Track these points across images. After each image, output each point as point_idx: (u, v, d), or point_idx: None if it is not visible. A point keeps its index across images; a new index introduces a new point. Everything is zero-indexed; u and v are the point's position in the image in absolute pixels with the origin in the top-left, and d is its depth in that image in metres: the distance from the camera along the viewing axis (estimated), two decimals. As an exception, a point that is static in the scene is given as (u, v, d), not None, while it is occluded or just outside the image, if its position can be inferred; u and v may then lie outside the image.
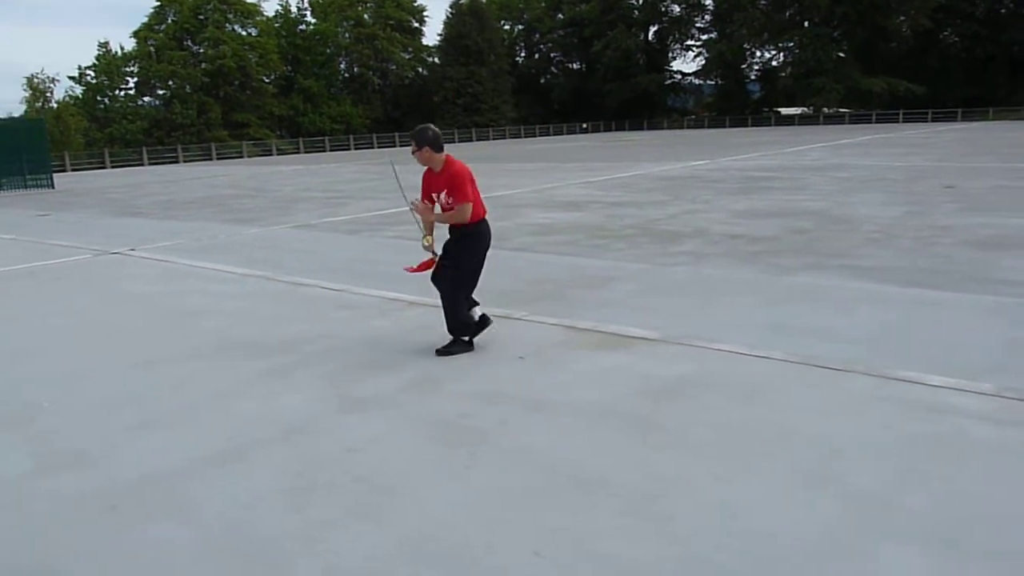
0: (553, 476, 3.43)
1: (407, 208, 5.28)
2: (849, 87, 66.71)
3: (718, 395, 4.33)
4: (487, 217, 5.31)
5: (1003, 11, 66.63)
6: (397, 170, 5.62)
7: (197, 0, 61.76)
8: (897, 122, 61.15)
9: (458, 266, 5.19)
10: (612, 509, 3.12)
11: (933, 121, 60.04)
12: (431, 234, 5.26)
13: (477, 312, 5.34)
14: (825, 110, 68.85)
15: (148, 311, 7.05)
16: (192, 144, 53.55)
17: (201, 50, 62.06)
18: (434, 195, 5.17)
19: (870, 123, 61.34)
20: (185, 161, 48.03)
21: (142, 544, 3.01)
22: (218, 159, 49.71)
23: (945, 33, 69.87)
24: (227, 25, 62.97)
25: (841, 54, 69.70)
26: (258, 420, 4.23)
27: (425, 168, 5.20)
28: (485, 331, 5.37)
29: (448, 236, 5.27)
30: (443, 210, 5.15)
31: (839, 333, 5.43)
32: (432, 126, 5.12)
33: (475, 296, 5.38)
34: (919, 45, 68.61)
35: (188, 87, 60.25)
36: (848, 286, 6.84)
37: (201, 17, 61.97)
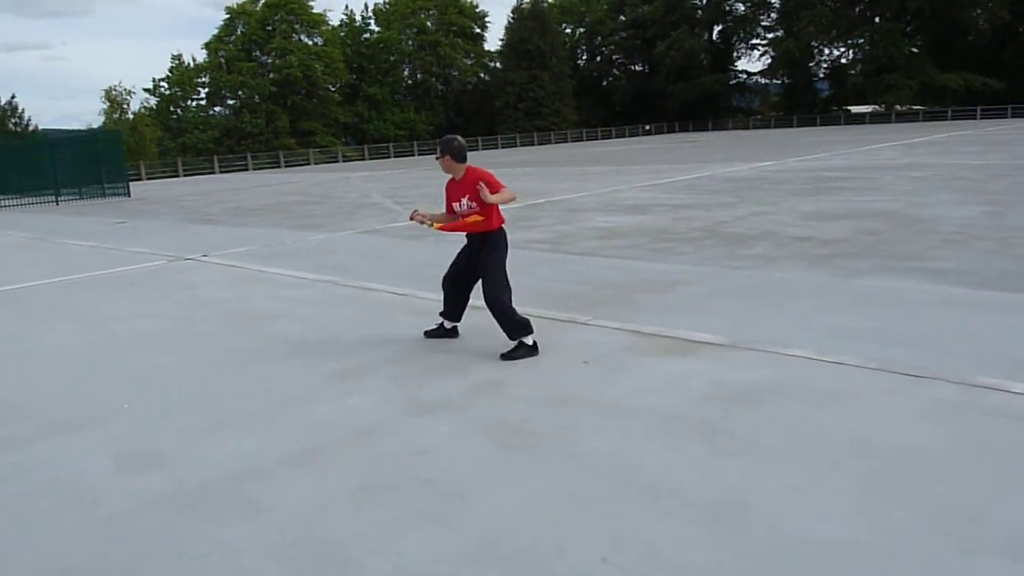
0: (621, 482, 3.40)
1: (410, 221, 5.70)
2: (923, 83, 64.66)
3: (789, 402, 4.23)
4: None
5: (1088, 1, 63.76)
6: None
7: (265, 12, 63.35)
8: (974, 119, 59.00)
9: (488, 271, 5.35)
10: (682, 517, 3.07)
11: (1013, 117, 57.75)
12: (437, 223, 5.64)
13: (449, 325, 5.85)
14: (897, 108, 66.84)
15: (221, 315, 7.23)
16: (261, 152, 54.85)
17: (269, 60, 63.61)
18: (455, 203, 5.43)
19: (945, 120, 59.37)
20: (254, 169, 49.19)
21: (216, 544, 3.08)
22: (286, 166, 50.77)
23: (1025, 25, 67.21)
24: (294, 35, 64.42)
25: (914, 49, 67.59)
26: (328, 422, 4.30)
27: (448, 178, 5.54)
28: (441, 340, 5.80)
29: (468, 244, 5.58)
30: (464, 216, 5.40)
31: (914, 338, 5.25)
32: (459, 138, 5.48)
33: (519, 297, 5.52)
34: (997, 39, 66.07)
35: (257, 97, 61.81)
36: (923, 289, 6.63)
37: (269, 28, 63.55)
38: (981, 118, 59.14)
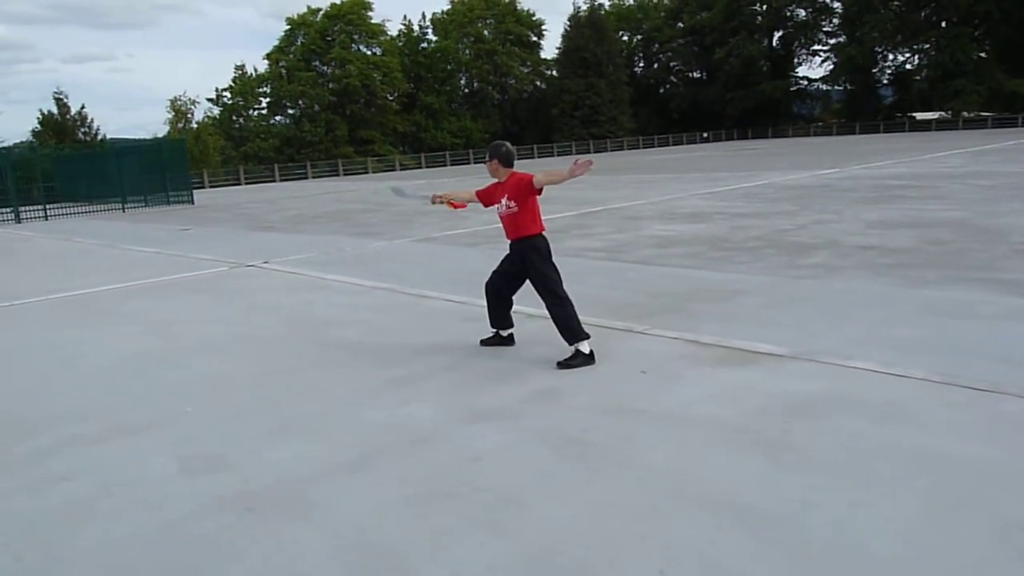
0: (678, 494, 3.36)
1: (430, 205, 6.13)
2: (992, 89, 62.72)
3: (852, 415, 4.13)
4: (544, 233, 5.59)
5: None
6: (402, 190, 6.93)
7: (325, 22, 64.51)
8: (1046, 125, 57.04)
9: (539, 283, 5.43)
10: (740, 530, 3.02)
11: (1088, 123, 55.66)
12: (451, 202, 5.92)
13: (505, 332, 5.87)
14: (965, 114, 64.90)
15: (281, 321, 7.37)
16: (320, 160, 55.82)
17: (328, 70, 64.72)
18: (496, 204, 5.57)
19: (1016, 127, 57.44)
20: (314, 177, 50.09)
21: (275, 546, 3.13)
22: (344, 175, 51.58)
23: (1101, 28, 64.77)
24: (353, 45, 65.41)
25: (982, 54, 65.67)
26: (385, 428, 4.34)
27: (493, 180, 5.70)
28: (497, 348, 5.84)
29: (510, 251, 5.65)
30: (502, 216, 5.56)
31: (983, 351, 5.09)
32: (507, 144, 5.67)
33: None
34: (1071, 42, 63.79)
35: (316, 106, 62.92)
36: (993, 300, 6.42)
37: (328, 39, 64.66)
38: (1054, 124, 57.12)
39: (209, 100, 64.34)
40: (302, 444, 4.21)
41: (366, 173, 52.96)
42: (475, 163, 56.82)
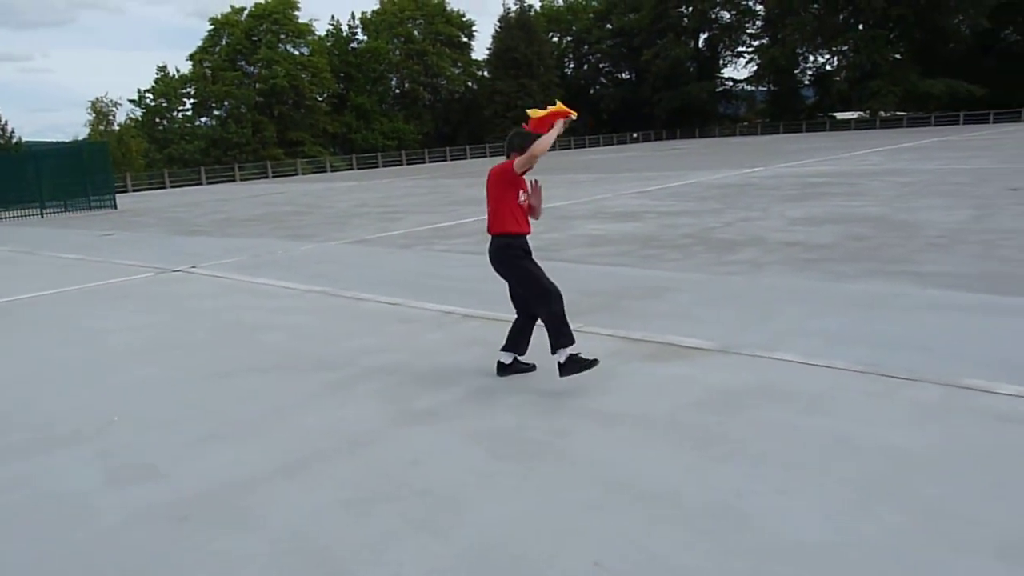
0: (613, 487, 3.41)
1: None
2: (907, 90, 65.24)
3: (779, 406, 4.26)
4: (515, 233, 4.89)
5: (1068, 7, 64.55)
6: None
7: (250, 22, 63.34)
8: (957, 124, 59.56)
9: (519, 284, 4.91)
10: (675, 521, 3.10)
11: (996, 122, 58.31)
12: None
13: (506, 357, 5.11)
14: (882, 114, 67.38)
15: (211, 327, 7.22)
16: (248, 162, 54.78)
17: (255, 70, 63.59)
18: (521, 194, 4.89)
19: (929, 126, 59.84)
20: (242, 179, 49.11)
21: (211, 555, 3.08)
22: (274, 177, 50.71)
23: (1006, 32, 67.92)
24: (280, 45, 64.38)
25: (898, 56, 68.24)
26: (321, 433, 4.30)
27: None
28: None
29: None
30: (524, 210, 4.92)
31: (901, 341, 5.30)
32: (517, 129, 4.90)
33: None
34: (979, 45, 66.73)
35: (243, 107, 61.77)
36: (910, 293, 6.69)
37: (254, 38, 63.54)
38: (964, 123, 59.71)
39: (131, 101, 62.68)
40: (236, 450, 4.14)
41: (296, 175, 52.16)
42: (408, 164, 56.54)
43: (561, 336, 4.66)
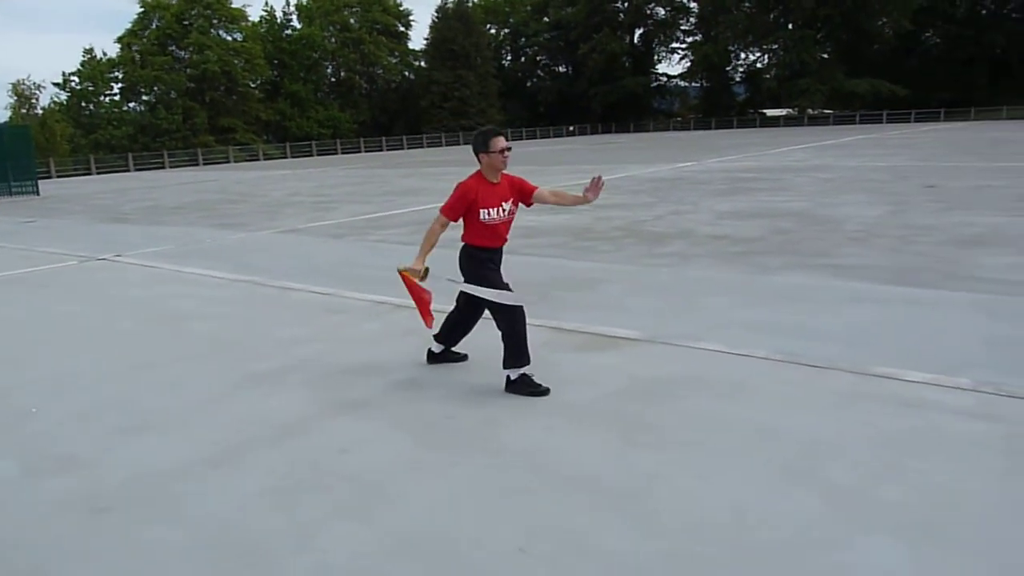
0: (540, 475, 3.49)
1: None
2: (833, 88, 67.27)
3: (701, 394, 4.40)
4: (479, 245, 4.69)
5: (984, 12, 67.42)
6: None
7: (181, 6, 61.61)
8: (881, 123, 61.62)
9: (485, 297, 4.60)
10: (597, 506, 3.18)
11: (916, 121, 60.52)
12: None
13: (437, 347, 5.09)
14: (809, 111, 69.34)
15: (136, 316, 7.06)
16: (178, 149, 53.37)
17: (186, 55, 61.89)
18: (491, 209, 4.60)
19: (854, 124, 61.76)
20: (171, 167, 47.86)
21: (134, 546, 3.04)
22: (204, 164, 49.55)
23: (927, 35, 70.59)
24: (212, 30, 62.80)
25: (825, 56, 70.24)
26: (248, 422, 4.27)
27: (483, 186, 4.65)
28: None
29: (498, 259, 4.84)
30: (502, 224, 4.67)
31: (820, 331, 5.51)
32: (484, 128, 4.71)
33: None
34: (901, 47, 69.14)
35: (173, 92, 60.07)
36: (830, 285, 6.94)
37: (186, 23, 61.82)
38: (887, 122, 61.82)
39: (56, 85, 60.21)
40: (160, 440, 4.08)
41: (228, 162, 51.05)
42: (343, 153, 55.86)
43: (519, 356, 4.49)
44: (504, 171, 4.68)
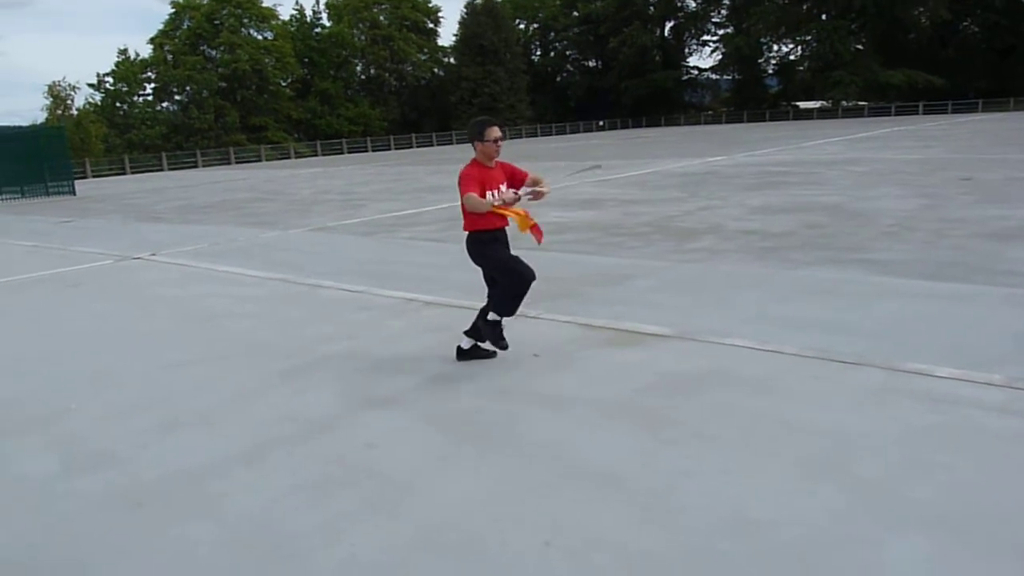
0: (566, 470, 3.51)
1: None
2: (868, 80, 66.21)
3: (730, 390, 4.39)
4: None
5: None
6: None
7: (212, 6, 62.31)
8: (917, 114, 60.61)
9: (492, 270, 4.98)
10: (623, 502, 3.19)
11: (953, 113, 59.42)
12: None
13: (466, 343, 5.22)
14: (844, 103, 68.35)
15: (170, 314, 7.19)
16: (210, 148, 54.06)
17: (217, 55, 62.59)
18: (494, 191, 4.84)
19: (889, 116, 60.83)
20: (204, 166, 48.49)
21: (168, 541, 3.11)
22: (236, 163, 50.12)
23: (965, 24, 69.16)
24: (242, 30, 63.44)
25: (859, 47, 69.17)
26: (280, 419, 4.34)
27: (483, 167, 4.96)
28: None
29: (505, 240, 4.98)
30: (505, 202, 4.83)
31: (852, 326, 5.46)
32: (480, 118, 5.03)
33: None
34: (938, 36, 67.93)
35: (205, 92, 60.79)
36: (862, 280, 6.87)
37: (216, 22, 62.51)
38: (923, 113, 60.79)
39: (90, 86, 61.25)
40: (194, 438, 4.17)
41: (259, 161, 51.61)
42: (374, 151, 56.17)
43: (505, 307, 4.85)
44: (497, 158, 4.97)
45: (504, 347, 4.97)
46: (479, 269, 5.06)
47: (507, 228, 4.95)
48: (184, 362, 5.59)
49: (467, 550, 2.90)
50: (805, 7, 71.45)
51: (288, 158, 53.88)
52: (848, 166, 18.54)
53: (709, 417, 4.00)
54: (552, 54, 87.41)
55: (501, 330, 4.95)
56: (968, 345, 4.92)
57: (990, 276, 6.73)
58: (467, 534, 3.01)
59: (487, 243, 4.89)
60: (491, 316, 4.91)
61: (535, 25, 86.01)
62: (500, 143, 4.93)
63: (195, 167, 47.65)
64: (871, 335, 5.24)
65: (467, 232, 4.95)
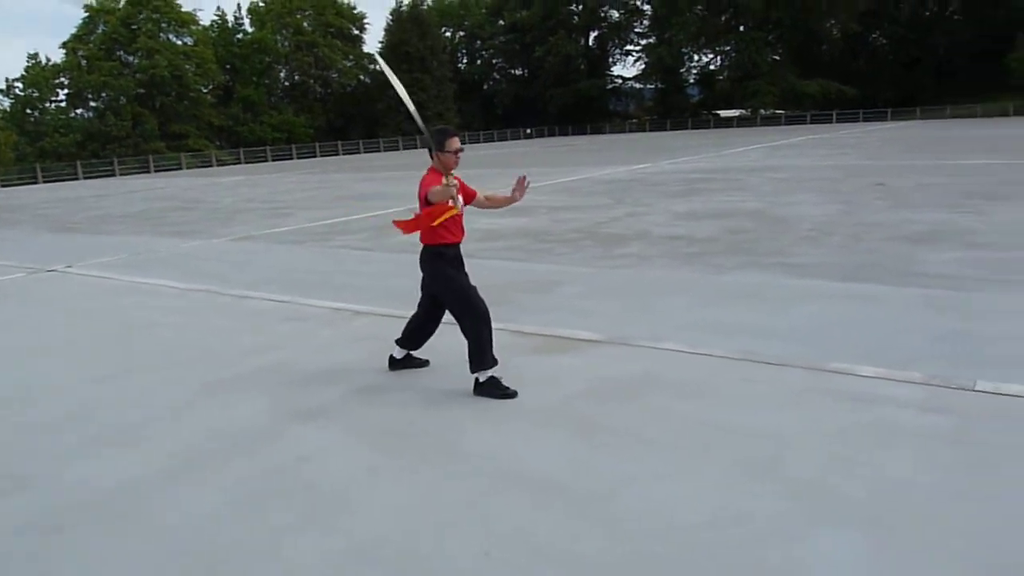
0: (502, 479, 3.50)
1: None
2: (784, 89, 68.50)
3: (661, 394, 4.45)
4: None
5: (927, 14, 69.14)
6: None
7: (128, 10, 60.40)
8: (831, 123, 62.89)
9: (443, 299, 4.74)
10: (560, 509, 3.20)
11: (864, 121, 61.84)
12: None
13: (399, 352, 5.10)
14: (762, 112, 70.49)
15: (90, 327, 6.93)
16: (128, 156, 52.40)
17: (134, 60, 60.67)
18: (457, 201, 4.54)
19: (805, 124, 62.97)
20: (122, 174, 47.00)
21: (91, 566, 2.99)
22: (156, 171, 48.76)
23: (874, 36, 72.20)
24: (160, 35, 61.67)
25: (776, 57, 71.54)
26: (210, 433, 4.21)
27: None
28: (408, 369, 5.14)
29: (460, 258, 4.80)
30: (459, 217, 4.63)
31: (775, 329, 5.61)
32: (440, 127, 4.69)
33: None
34: (850, 48, 70.74)
35: (122, 98, 58.84)
36: (784, 283, 7.06)
37: (133, 27, 60.56)
38: (837, 122, 63.11)
39: (-1, 91, 58.67)
40: (120, 454, 4.01)
41: (180, 169, 50.27)
42: (299, 158, 55.33)
43: (484, 358, 4.53)
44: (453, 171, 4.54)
45: (512, 394, 4.52)
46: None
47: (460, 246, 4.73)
48: (104, 377, 5.38)
49: (405, 563, 2.87)
50: (724, 19, 73.47)
51: (210, 166, 52.64)
52: (768, 173, 19.09)
53: (644, 422, 4.05)
54: (479, 62, 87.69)
55: (499, 380, 4.57)
56: (886, 344, 5.10)
57: (904, 277, 7.00)
58: (404, 546, 2.97)
59: (449, 260, 4.64)
60: (480, 377, 4.57)
61: (461, 33, 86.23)
62: (459, 155, 4.57)
63: (112, 176, 46.14)
64: (795, 337, 5.38)
65: (425, 245, 4.65)
